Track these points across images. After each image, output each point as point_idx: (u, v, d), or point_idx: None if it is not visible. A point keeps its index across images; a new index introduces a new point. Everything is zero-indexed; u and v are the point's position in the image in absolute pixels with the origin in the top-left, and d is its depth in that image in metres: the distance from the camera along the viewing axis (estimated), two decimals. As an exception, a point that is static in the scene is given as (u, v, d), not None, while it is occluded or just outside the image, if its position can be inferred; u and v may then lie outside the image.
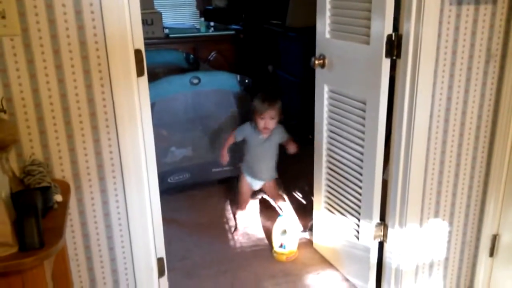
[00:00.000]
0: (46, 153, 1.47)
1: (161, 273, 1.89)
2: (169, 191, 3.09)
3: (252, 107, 2.60)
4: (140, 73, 1.56)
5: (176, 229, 2.84)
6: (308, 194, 3.09)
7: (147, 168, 1.65)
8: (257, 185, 2.80)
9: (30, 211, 1.11)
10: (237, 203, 2.85)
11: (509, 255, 1.96)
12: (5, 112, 1.32)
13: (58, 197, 1.32)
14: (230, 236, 2.82)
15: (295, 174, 3.29)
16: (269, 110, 2.53)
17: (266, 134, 2.64)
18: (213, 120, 3.19)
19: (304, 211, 2.94)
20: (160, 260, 1.87)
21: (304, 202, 3.13)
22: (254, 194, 2.97)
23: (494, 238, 2.00)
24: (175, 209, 3.08)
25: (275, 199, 2.91)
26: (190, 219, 3.04)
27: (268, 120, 2.55)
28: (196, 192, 3.34)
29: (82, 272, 1.64)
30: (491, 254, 2.03)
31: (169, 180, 3.08)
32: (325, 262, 2.54)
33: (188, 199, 3.27)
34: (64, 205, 1.33)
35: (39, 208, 1.16)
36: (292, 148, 2.68)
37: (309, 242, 2.71)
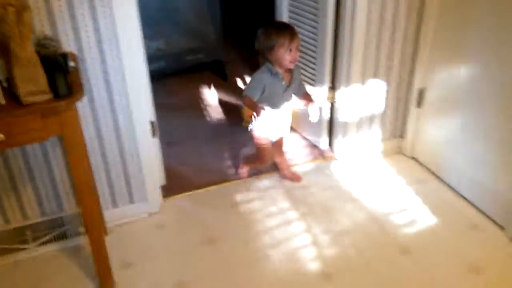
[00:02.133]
0: (54, 30, 1.78)
1: (154, 134, 2.31)
2: (147, 79, 3.44)
3: (268, 43, 2.09)
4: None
5: (156, 111, 3.22)
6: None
7: (137, 41, 2.00)
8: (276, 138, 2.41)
9: (60, 68, 1.47)
10: (261, 163, 2.47)
11: (431, 106, 2.45)
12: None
13: (72, 63, 1.68)
14: (207, 112, 3.25)
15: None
16: (295, 39, 2.09)
17: (288, 78, 2.19)
18: (183, 9, 3.45)
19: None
20: (152, 123, 2.28)
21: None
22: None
23: (421, 92, 2.48)
24: (155, 95, 3.43)
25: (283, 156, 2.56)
26: (170, 102, 3.44)
27: (295, 52, 2.10)
28: (172, 79, 3.70)
29: (90, 130, 2.03)
30: (419, 105, 2.52)
31: (146, 68, 3.40)
32: (288, 127, 3.02)
33: (166, 86, 3.64)
34: (77, 69, 1.69)
35: (63, 66, 1.52)
36: (309, 105, 2.28)
37: (274, 114, 3.17)
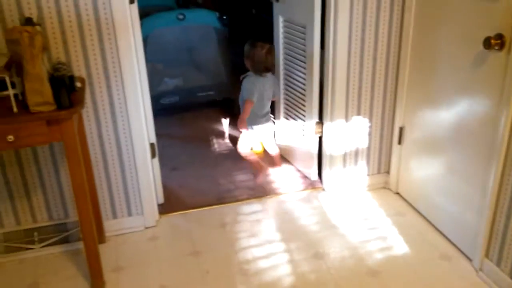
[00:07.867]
0: (67, 57, 2.11)
1: (153, 155, 2.57)
2: (162, 112, 3.75)
3: (256, 56, 2.72)
4: (131, 1, 2.18)
5: (168, 140, 3.52)
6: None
7: (139, 71, 2.30)
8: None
9: (63, 84, 1.76)
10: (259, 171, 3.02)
11: (412, 144, 2.61)
12: (40, 25, 1.95)
13: (78, 84, 1.98)
14: (211, 144, 3.52)
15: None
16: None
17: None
18: (198, 52, 3.81)
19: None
20: (152, 145, 2.54)
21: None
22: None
23: (401, 130, 2.66)
24: (167, 126, 3.76)
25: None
26: (180, 134, 3.74)
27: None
28: (185, 113, 4.03)
29: (96, 146, 2.32)
30: (399, 142, 2.70)
31: (161, 102, 3.73)
32: (283, 159, 3.23)
33: (179, 119, 3.97)
34: (83, 88, 2.00)
35: (67, 84, 1.82)
36: None
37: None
